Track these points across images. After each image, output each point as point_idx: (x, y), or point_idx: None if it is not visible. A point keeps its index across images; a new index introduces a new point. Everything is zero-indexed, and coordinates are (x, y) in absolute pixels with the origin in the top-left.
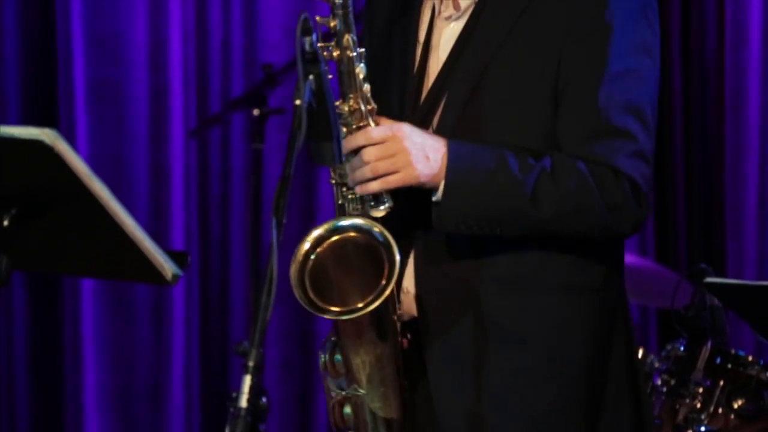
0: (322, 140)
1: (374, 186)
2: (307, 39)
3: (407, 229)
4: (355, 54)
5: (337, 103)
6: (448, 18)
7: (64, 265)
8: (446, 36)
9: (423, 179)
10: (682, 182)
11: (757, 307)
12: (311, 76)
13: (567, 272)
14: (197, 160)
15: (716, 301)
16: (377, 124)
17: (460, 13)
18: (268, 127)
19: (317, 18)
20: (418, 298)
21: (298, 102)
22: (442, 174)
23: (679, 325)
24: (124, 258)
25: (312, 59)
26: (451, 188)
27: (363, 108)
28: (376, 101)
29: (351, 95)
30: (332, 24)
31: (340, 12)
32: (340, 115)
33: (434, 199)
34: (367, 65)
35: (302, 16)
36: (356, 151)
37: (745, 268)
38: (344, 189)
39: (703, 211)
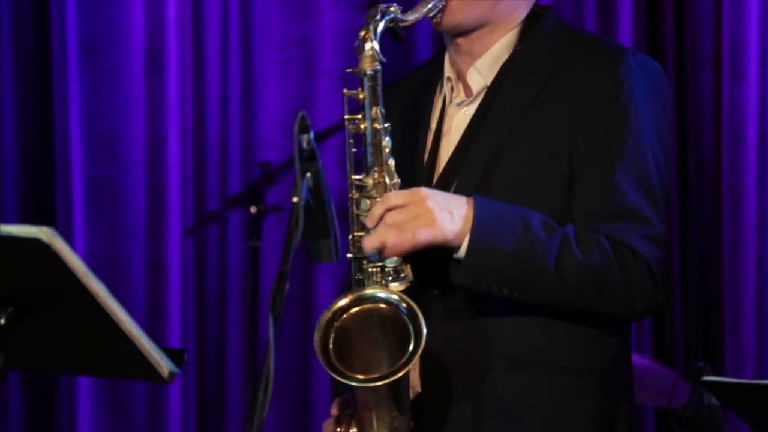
0: (319, 238)
1: (406, 244)
2: (305, 136)
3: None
4: (382, 127)
5: (361, 176)
6: (460, 104)
7: (61, 363)
8: (457, 121)
9: (449, 236)
10: (679, 280)
11: (756, 407)
12: (309, 174)
13: (573, 354)
14: (194, 257)
15: (714, 400)
16: None
17: (471, 99)
18: (265, 225)
19: (345, 91)
20: (423, 373)
21: (295, 199)
22: (467, 230)
23: (677, 424)
24: (121, 355)
25: (310, 157)
26: (476, 246)
27: (388, 182)
28: None
29: (376, 168)
30: (361, 96)
31: (369, 84)
32: (364, 188)
33: (456, 255)
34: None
35: (300, 114)
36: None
37: (744, 367)
38: (364, 262)
39: (701, 308)
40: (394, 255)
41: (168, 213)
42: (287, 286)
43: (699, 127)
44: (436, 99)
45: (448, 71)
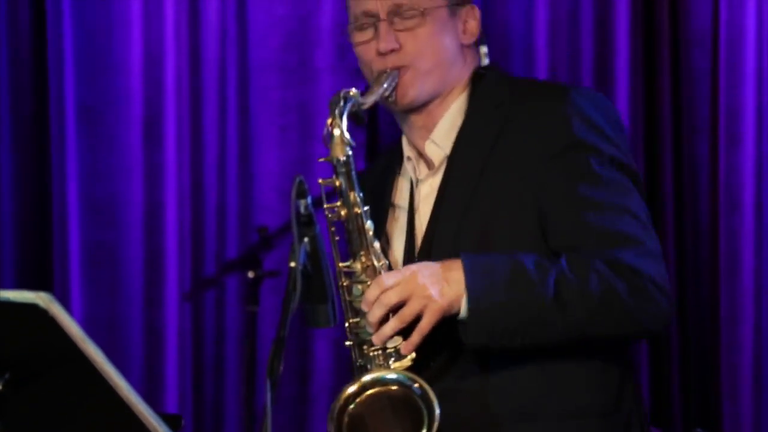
0: (316, 303)
1: (415, 340)
2: (302, 202)
3: (416, 362)
4: (362, 211)
5: (349, 263)
6: (425, 179)
7: (59, 429)
8: (424, 194)
9: (446, 306)
10: (677, 345)
11: None
12: (306, 239)
13: (577, 396)
14: (191, 322)
15: None
16: None
17: (434, 171)
18: (262, 290)
19: (320, 180)
20: None
21: (293, 264)
22: (462, 294)
23: None
24: (118, 421)
25: (307, 222)
26: (475, 305)
27: (376, 264)
28: None
29: (362, 252)
30: (337, 183)
31: (343, 170)
32: (353, 273)
33: (460, 317)
34: None
35: (297, 179)
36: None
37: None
38: (364, 347)
39: (699, 374)
40: (410, 350)
41: (165, 278)
42: (284, 350)
43: (696, 193)
44: (400, 181)
45: (407, 151)
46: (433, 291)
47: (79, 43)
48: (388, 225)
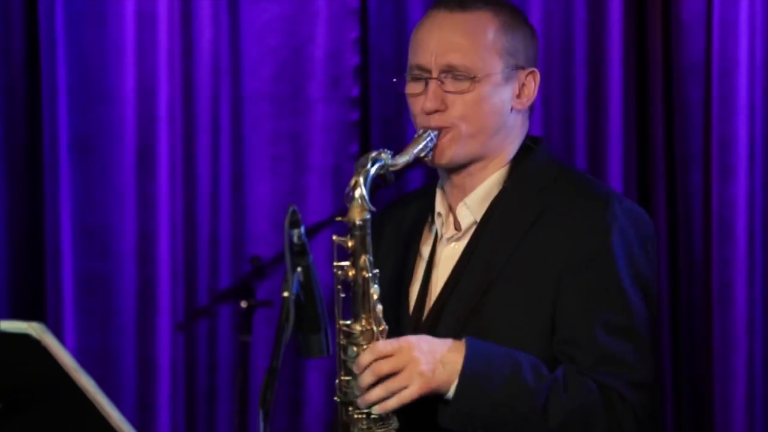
0: (309, 332)
1: (392, 403)
2: (296, 231)
3: None
4: (370, 275)
5: (349, 322)
6: (450, 238)
7: None
8: (447, 255)
9: (435, 386)
10: (670, 377)
11: None
12: (299, 268)
13: None
14: (184, 352)
15: None
16: None
17: (461, 234)
18: (255, 320)
19: (334, 238)
20: None
21: (286, 294)
22: (455, 376)
23: None
24: None
25: (300, 251)
26: (464, 391)
27: (375, 329)
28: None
29: (363, 315)
30: (350, 244)
31: (358, 233)
32: (351, 334)
33: (446, 397)
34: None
35: (290, 209)
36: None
37: None
38: (350, 408)
39: (692, 406)
40: (385, 411)
41: (158, 308)
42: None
43: (689, 224)
44: (427, 230)
45: (438, 206)
46: (426, 368)
47: (72, 73)
48: (408, 271)
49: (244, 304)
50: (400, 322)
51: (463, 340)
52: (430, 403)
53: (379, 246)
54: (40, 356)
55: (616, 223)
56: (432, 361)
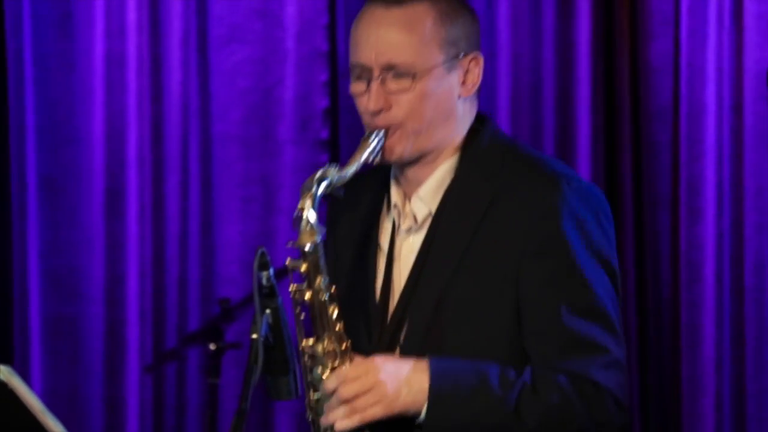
0: (278, 374)
1: (354, 419)
2: (264, 273)
3: None
4: (326, 296)
5: (311, 343)
6: (408, 230)
7: None
8: (406, 248)
9: (403, 408)
10: (638, 417)
11: None
12: (268, 311)
13: None
14: (152, 395)
15: None
16: (352, 362)
17: (418, 226)
18: (224, 362)
19: (288, 262)
20: None
21: (254, 336)
22: (424, 397)
23: None
24: None
25: (269, 293)
26: (435, 411)
27: (337, 348)
28: (342, 313)
29: (325, 335)
30: (302, 268)
31: (310, 258)
32: (315, 356)
33: (418, 422)
34: (334, 277)
35: (259, 251)
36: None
37: None
38: (322, 428)
39: None
40: (345, 429)
41: (126, 350)
42: (246, 423)
43: (657, 265)
44: (384, 219)
45: (394, 197)
46: (391, 390)
47: (41, 114)
48: (372, 265)
49: (212, 347)
50: (368, 320)
51: (427, 360)
52: (403, 428)
53: (336, 232)
54: (8, 399)
55: (565, 204)
56: (397, 383)
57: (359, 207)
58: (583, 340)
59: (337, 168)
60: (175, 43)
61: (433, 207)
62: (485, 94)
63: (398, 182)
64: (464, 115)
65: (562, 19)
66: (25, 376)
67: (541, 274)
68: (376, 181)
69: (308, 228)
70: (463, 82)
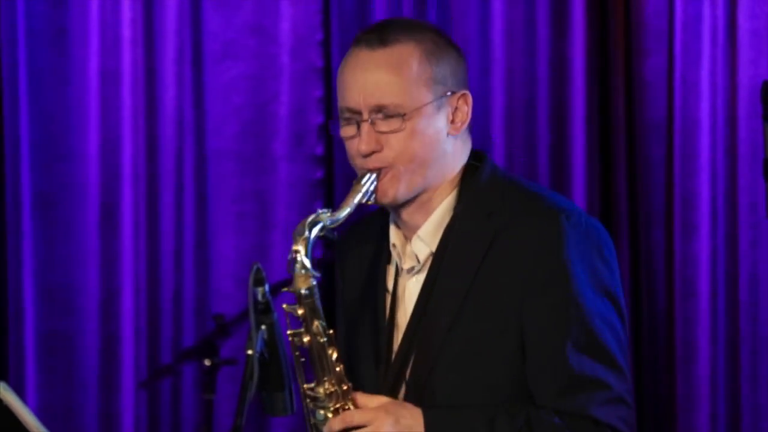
0: (274, 390)
1: None
2: (260, 289)
3: None
4: (325, 339)
5: (312, 385)
6: (410, 270)
7: None
8: (410, 289)
9: None
10: None
11: None
12: (263, 326)
13: None
14: (147, 410)
15: None
16: (354, 402)
17: (420, 266)
18: (219, 378)
19: (284, 306)
20: None
21: (250, 352)
22: None
23: None
24: None
25: (264, 309)
26: None
27: (339, 390)
28: (350, 350)
29: (326, 378)
30: (299, 312)
31: (307, 302)
32: (317, 398)
33: None
34: (342, 313)
35: (254, 267)
36: None
37: None
38: None
39: None
40: None
41: (121, 365)
42: None
43: (652, 281)
44: (389, 262)
45: (393, 238)
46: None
47: (35, 129)
48: (381, 308)
49: (207, 362)
50: (376, 360)
51: (421, 412)
52: None
53: (344, 277)
54: (3, 415)
55: (567, 239)
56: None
57: (364, 252)
58: (584, 378)
59: (329, 212)
60: (170, 58)
61: (434, 246)
62: (479, 110)
63: (397, 225)
64: (456, 153)
65: (557, 34)
66: (20, 392)
67: (543, 310)
68: (380, 224)
69: (303, 272)
70: (452, 121)
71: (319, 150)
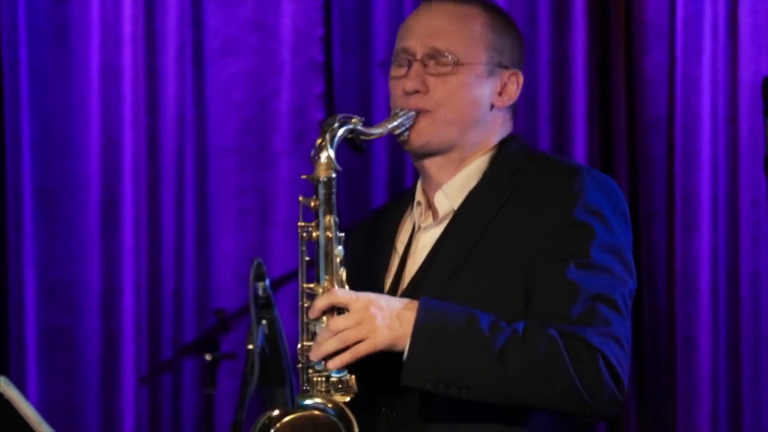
0: (275, 385)
1: (346, 357)
2: (260, 284)
3: (370, 414)
4: (335, 236)
5: (312, 285)
6: (427, 227)
7: None
8: (423, 242)
9: (392, 341)
10: (635, 430)
11: None
12: (264, 321)
13: None
14: (148, 406)
15: None
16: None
17: (438, 221)
18: (220, 373)
19: (300, 198)
20: None
21: (250, 347)
22: (409, 333)
23: None
24: None
25: (265, 304)
26: (417, 347)
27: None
28: None
29: (327, 277)
30: (313, 204)
31: (323, 192)
32: (314, 296)
33: (404, 358)
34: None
35: (255, 262)
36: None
37: None
38: (310, 371)
39: None
40: (338, 367)
41: (122, 361)
42: None
43: (653, 278)
44: (404, 222)
45: (419, 195)
46: (382, 323)
47: (36, 126)
48: (383, 264)
49: (208, 357)
50: None
51: (419, 300)
52: (389, 365)
53: (352, 256)
54: (4, 410)
55: (585, 189)
56: (388, 316)
57: (378, 228)
58: (585, 310)
59: (361, 120)
60: (171, 55)
61: (457, 204)
62: None
63: (423, 183)
64: (496, 125)
65: (558, 32)
66: (22, 388)
67: (551, 255)
68: (396, 208)
69: (325, 161)
70: (500, 93)
71: None
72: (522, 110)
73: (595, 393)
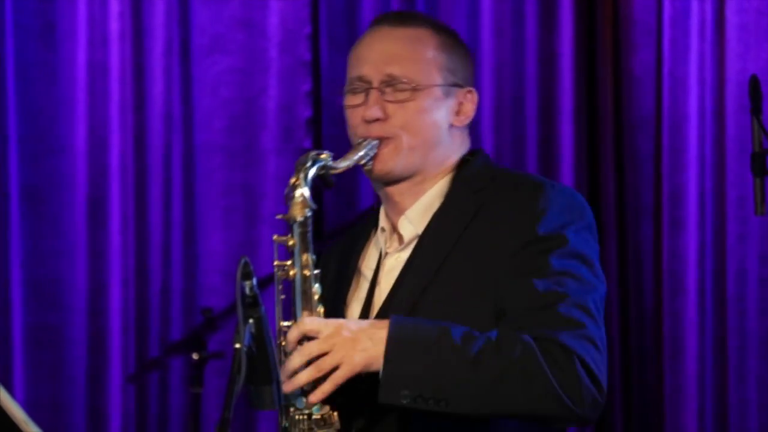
0: (261, 384)
1: (326, 387)
2: (248, 283)
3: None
4: (312, 274)
5: (290, 323)
6: (393, 252)
7: None
8: (390, 267)
9: (367, 362)
10: (621, 428)
11: None
12: (251, 320)
13: None
14: (135, 404)
15: None
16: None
17: (403, 247)
18: (207, 371)
19: (274, 237)
20: None
21: (237, 345)
22: (383, 350)
23: None
24: None
25: (252, 303)
26: (392, 360)
27: None
28: None
29: (305, 314)
30: (290, 243)
31: (299, 231)
32: None
33: (380, 376)
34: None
35: (242, 261)
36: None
37: None
38: (291, 410)
39: None
40: (322, 397)
41: (109, 359)
42: None
43: (640, 276)
44: (368, 248)
45: (383, 221)
46: (354, 346)
47: (23, 123)
48: (349, 291)
49: (195, 356)
50: None
51: (390, 319)
52: (363, 389)
53: (325, 278)
54: None
55: (550, 204)
56: (360, 339)
57: (346, 248)
58: (558, 315)
59: (331, 155)
60: (158, 52)
61: (420, 228)
62: None
63: (386, 209)
64: (455, 144)
65: (545, 29)
66: (8, 386)
67: (518, 272)
68: (363, 225)
69: (300, 200)
70: (457, 113)
71: (308, 144)
72: (509, 107)
73: (574, 395)
